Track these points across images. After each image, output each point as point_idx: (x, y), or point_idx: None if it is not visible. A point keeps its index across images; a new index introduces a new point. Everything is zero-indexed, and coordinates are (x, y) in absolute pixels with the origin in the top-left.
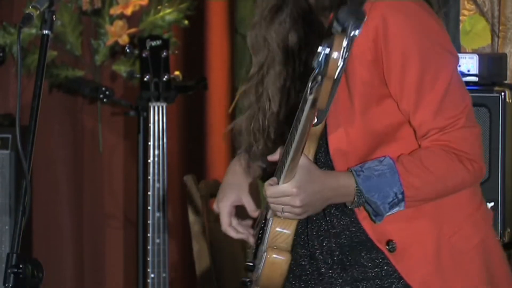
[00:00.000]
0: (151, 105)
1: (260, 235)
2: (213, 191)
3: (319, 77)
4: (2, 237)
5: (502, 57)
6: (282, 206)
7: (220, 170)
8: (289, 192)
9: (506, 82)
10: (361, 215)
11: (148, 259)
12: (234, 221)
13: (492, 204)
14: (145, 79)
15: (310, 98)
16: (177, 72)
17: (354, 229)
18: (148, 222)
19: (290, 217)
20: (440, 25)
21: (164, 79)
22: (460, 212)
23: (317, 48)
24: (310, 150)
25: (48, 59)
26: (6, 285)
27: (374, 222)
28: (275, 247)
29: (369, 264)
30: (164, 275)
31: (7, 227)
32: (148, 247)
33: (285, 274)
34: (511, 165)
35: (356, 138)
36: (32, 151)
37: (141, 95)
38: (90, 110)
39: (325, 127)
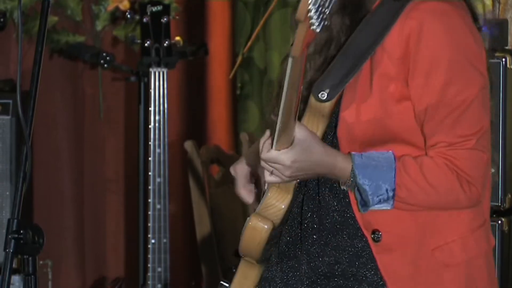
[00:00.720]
0: (152, 70)
1: None
2: (213, 157)
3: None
4: (2, 203)
5: (503, 23)
6: (272, 169)
7: (220, 136)
8: (283, 162)
9: (507, 48)
10: (353, 198)
11: (149, 224)
12: (249, 186)
13: (492, 170)
14: (146, 44)
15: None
16: (178, 38)
17: (342, 212)
18: (149, 187)
19: (274, 180)
20: (478, 42)
21: (165, 44)
22: (453, 230)
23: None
24: (318, 126)
25: (48, 25)
26: (7, 250)
27: (359, 211)
28: (260, 214)
29: (349, 249)
30: (165, 240)
31: (7, 192)
32: (149, 213)
33: (263, 244)
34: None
35: (367, 127)
36: (33, 116)
37: (142, 61)
38: (91, 75)
39: (338, 107)
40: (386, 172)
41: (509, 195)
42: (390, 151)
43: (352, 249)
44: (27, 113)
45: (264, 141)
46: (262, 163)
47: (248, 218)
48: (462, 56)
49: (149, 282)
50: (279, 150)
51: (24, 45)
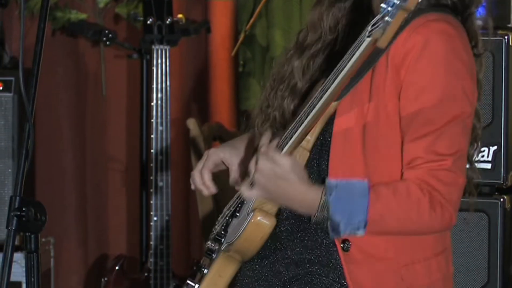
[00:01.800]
0: (154, 48)
1: (237, 208)
2: (216, 134)
3: (388, 16)
4: (5, 180)
5: (506, 0)
6: (262, 170)
7: (222, 113)
8: (282, 167)
9: (509, 25)
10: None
11: (151, 202)
12: (208, 176)
13: (495, 147)
14: (148, 22)
15: (367, 39)
16: (180, 15)
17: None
18: (151, 165)
19: (245, 186)
20: (472, 73)
21: (167, 22)
22: (418, 251)
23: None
24: (315, 130)
25: (51, 2)
26: (9, 228)
27: (328, 234)
28: (263, 210)
29: (322, 251)
30: (166, 218)
31: (10, 170)
32: (151, 190)
33: (265, 239)
34: None
35: (362, 132)
36: (35, 94)
37: (144, 38)
38: (93, 53)
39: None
40: (359, 204)
41: (511, 173)
42: (365, 181)
43: (324, 249)
44: (30, 91)
45: (269, 138)
46: (259, 161)
47: (251, 214)
48: (458, 82)
49: (151, 260)
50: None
51: (26, 22)
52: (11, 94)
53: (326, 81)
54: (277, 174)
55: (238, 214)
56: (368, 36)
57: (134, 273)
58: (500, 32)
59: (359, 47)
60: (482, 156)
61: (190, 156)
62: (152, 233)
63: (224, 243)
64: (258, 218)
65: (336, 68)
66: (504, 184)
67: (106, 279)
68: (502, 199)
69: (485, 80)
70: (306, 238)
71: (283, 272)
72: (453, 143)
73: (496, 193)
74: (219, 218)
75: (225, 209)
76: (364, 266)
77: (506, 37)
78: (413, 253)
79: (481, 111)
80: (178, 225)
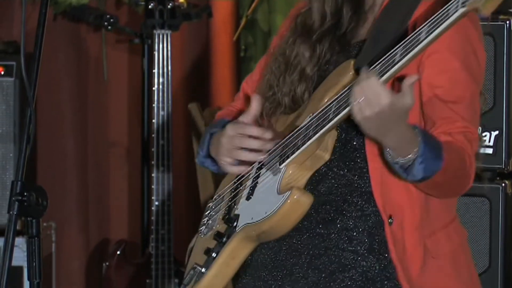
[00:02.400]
0: (156, 32)
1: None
2: None
3: None
4: (6, 165)
5: None
6: (363, 97)
7: (224, 98)
8: (380, 96)
9: (511, 10)
10: (375, 180)
11: (152, 187)
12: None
13: (496, 132)
14: (149, 6)
15: (461, 10)
16: (181, 0)
17: (360, 201)
18: (152, 149)
19: (354, 111)
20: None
21: (168, 6)
22: (436, 220)
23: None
24: None
25: None
26: (11, 212)
27: (401, 174)
28: (300, 188)
29: (365, 226)
30: (168, 202)
31: (11, 154)
32: (152, 175)
33: (302, 216)
34: None
35: None
36: (37, 78)
37: (145, 23)
38: (95, 37)
39: None
40: (437, 151)
41: None
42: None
43: (368, 224)
44: (31, 75)
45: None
46: (356, 88)
47: (287, 192)
48: (474, 63)
49: (152, 245)
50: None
51: (28, 7)
52: (12, 79)
53: (389, 55)
54: (398, 104)
55: (251, 196)
56: (463, 6)
57: (136, 258)
58: (501, 17)
59: (447, 19)
60: (484, 141)
61: (192, 141)
62: (153, 218)
63: (242, 223)
64: (298, 194)
65: (404, 43)
66: (506, 169)
67: (107, 264)
68: (503, 184)
69: (486, 65)
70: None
71: (311, 249)
72: (476, 117)
73: (498, 178)
74: (213, 203)
75: (221, 194)
76: (406, 240)
77: (507, 22)
78: (433, 223)
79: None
80: (179, 210)
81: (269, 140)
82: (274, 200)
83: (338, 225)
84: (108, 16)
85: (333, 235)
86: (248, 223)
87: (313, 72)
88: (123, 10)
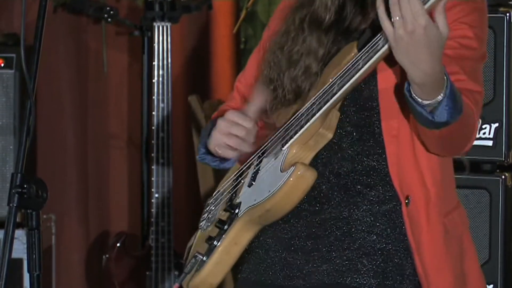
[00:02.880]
0: (156, 25)
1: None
2: None
3: None
4: (6, 157)
5: None
6: (399, 16)
7: (224, 90)
8: (419, 16)
9: (511, 2)
10: (392, 161)
11: (152, 179)
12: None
13: (496, 125)
14: None
15: None
16: None
17: (377, 181)
18: (152, 142)
19: (387, 31)
20: None
21: None
22: (450, 201)
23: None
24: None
25: None
26: (11, 204)
27: (424, 118)
28: (304, 163)
29: (381, 207)
30: (168, 195)
31: (11, 147)
32: (152, 167)
33: (306, 192)
34: None
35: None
36: (37, 71)
37: (145, 15)
38: (95, 30)
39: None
40: (460, 95)
41: None
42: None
43: (384, 205)
44: (31, 67)
45: None
46: (393, 7)
47: (291, 168)
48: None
49: (152, 237)
50: None
51: None
52: (12, 71)
53: (373, 41)
54: (434, 31)
55: (253, 182)
56: None
57: (135, 250)
58: (501, 9)
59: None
60: (484, 133)
61: (192, 133)
62: (153, 210)
63: (245, 207)
64: (302, 169)
65: (372, 42)
66: (506, 161)
67: (107, 256)
68: (503, 176)
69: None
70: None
71: (329, 231)
72: (482, 84)
73: (498, 170)
74: (213, 198)
75: (220, 190)
76: (422, 223)
77: (507, 14)
78: (449, 203)
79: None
80: (179, 202)
81: (253, 133)
82: (278, 178)
83: (361, 208)
84: (108, 8)
85: (354, 218)
86: (250, 205)
87: (318, 67)
88: (123, 2)
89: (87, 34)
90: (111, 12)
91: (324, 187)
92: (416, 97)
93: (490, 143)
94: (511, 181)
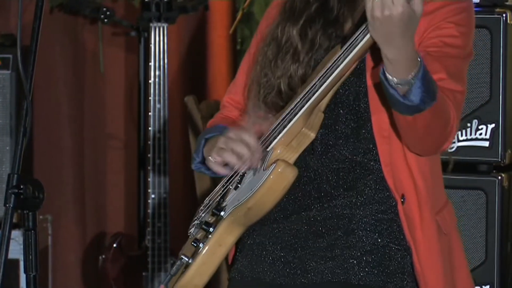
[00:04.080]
0: (152, 25)
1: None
2: (213, 112)
3: None
4: (3, 158)
5: None
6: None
7: (220, 91)
8: (398, 1)
9: (507, 3)
10: (385, 161)
11: (149, 179)
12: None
13: (493, 125)
14: None
15: None
16: None
17: (371, 180)
18: (149, 142)
19: (367, 7)
20: None
21: None
22: (439, 199)
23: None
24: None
25: None
26: (7, 205)
27: (396, 100)
28: (285, 160)
29: (376, 206)
30: (164, 195)
31: (8, 147)
32: (149, 168)
33: (287, 189)
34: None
35: None
36: (33, 71)
37: (142, 16)
38: (91, 30)
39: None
40: (434, 82)
41: (509, 151)
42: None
43: (379, 205)
44: (28, 68)
45: None
46: None
47: (272, 166)
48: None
49: (149, 237)
50: None
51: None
52: (9, 72)
53: (353, 38)
54: (410, 15)
55: (239, 185)
56: None
57: (132, 251)
58: (498, 10)
59: None
60: (480, 134)
61: (188, 134)
62: (150, 211)
63: (230, 208)
64: (283, 166)
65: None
66: (502, 162)
67: (103, 256)
68: (500, 177)
69: (483, 58)
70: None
71: (320, 229)
72: (463, 83)
73: (494, 171)
74: (203, 206)
75: (211, 198)
76: (417, 221)
77: (504, 15)
78: (438, 201)
79: (479, 89)
80: (176, 203)
81: (258, 155)
82: (260, 177)
83: (361, 207)
84: (104, 9)
85: (356, 216)
86: (234, 205)
87: (309, 56)
88: (120, 3)
89: (84, 34)
90: (108, 12)
91: (325, 186)
92: (389, 76)
93: (486, 143)
94: (508, 182)
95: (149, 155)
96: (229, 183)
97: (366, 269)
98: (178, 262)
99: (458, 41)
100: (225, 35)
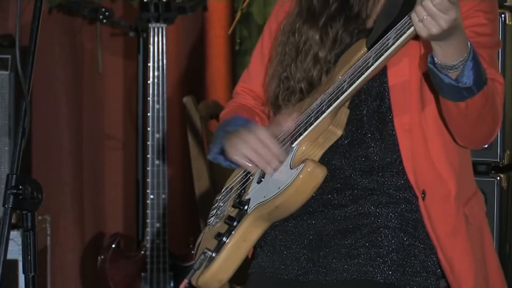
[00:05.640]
0: (151, 26)
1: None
2: (212, 112)
3: None
4: (1, 158)
5: None
6: (425, 15)
7: (219, 91)
8: (447, 11)
9: (506, 4)
10: (406, 155)
11: (148, 180)
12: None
13: None
14: (144, 0)
15: None
16: None
17: (394, 177)
18: (148, 143)
19: (418, 30)
20: None
21: (164, 0)
22: (469, 188)
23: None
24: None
25: None
26: (6, 206)
27: (450, 85)
28: (314, 160)
29: (398, 204)
30: (163, 196)
31: (6, 148)
32: (148, 168)
33: (316, 189)
34: (511, 87)
35: (416, 83)
36: (32, 72)
37: (140, 16)
38: (90, 31)
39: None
40: (484, 71)
41: (508, 152)
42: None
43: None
44: (26, 69)
45: None
46: (418, 9)
47: (300, 165)
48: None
49: (148, 238)
50: None
51: (23, 0)
52: (7, 72)
53: (384, 39)
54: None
55: (263, 179)
56: None
57: (131, 251)
58: None
59: None
60: None
61: (187, 134)
62: (148, 211)
63: (254, 204)
64: (312, 166)
65: (396, 28)
66: (501, 162)
67: (102, 257)
68: (498, 178)
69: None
70: (378, 192)
71: (345, 227)
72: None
73: (493, 172)
74: (222, 195)
75: (229, 186)
76: (440, 217)
77: (503, 15)
78: (468, 190)
79: None
80: (175, 204)
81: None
82: (287, 175)
83: (384, 205)
84: (103, 9)
85: (379, 215)
86: (260, 202)
87: (331, 55)
88: (118, 3)
89: (82, 35)
90: (106, 13)
91: (348, 183)
92: (440, 62)
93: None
94: (506, 182)
95: (148, 156)
96: (250, 174)
97: (392, 268)
98: (202, 257)
99: (488, 29)
100: (224, 35)
